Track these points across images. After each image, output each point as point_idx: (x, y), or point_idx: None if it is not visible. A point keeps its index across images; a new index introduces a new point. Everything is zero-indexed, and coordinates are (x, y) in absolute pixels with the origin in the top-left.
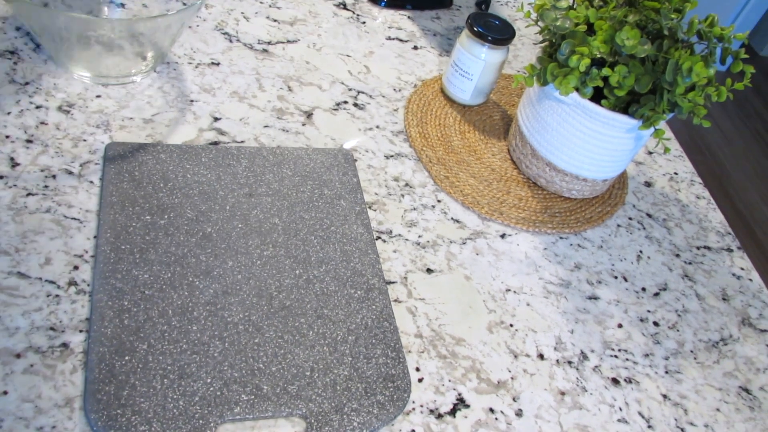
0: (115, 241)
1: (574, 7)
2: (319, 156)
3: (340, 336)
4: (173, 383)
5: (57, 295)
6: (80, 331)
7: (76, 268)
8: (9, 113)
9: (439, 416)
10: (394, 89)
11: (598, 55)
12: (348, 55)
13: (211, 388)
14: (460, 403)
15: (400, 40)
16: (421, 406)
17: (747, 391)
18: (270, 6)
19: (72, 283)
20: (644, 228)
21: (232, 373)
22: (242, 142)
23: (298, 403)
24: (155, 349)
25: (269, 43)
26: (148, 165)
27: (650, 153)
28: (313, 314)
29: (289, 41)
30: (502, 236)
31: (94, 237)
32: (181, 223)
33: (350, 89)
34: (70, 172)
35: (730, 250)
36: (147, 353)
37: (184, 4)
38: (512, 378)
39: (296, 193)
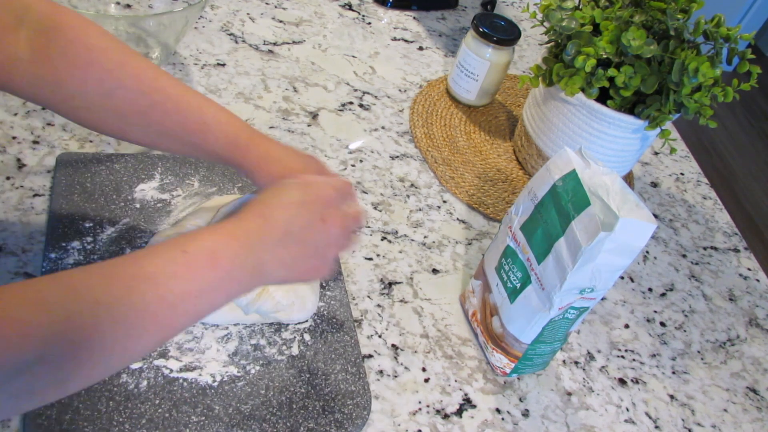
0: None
1: (580, 7)
2: None
3: (296, 351)
4: (119, 405)
5: None
6: None
7: None
8: (16, 114)
9: (446, 416)
10: (400, 90)
11: (604, 56)
12: (353, 56)
13: (159, 410)
14: (467, 403)
15: (406, 41)
16: (428, 406)
17: (754, 391)
18: (275, 7)
19: None
20: None
21: (181, 393)
22: None
23: (252, 424)
24: None
25: (275, 44)
26: (100, 174)
27: (656, 153)
28: (269, 328)
29: (294, 42)
30: None
31: None
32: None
33: (355, 90)
34: None
35: (737, 251)
36: None
37: (189, 4)
38: (518, 378)
39: None
